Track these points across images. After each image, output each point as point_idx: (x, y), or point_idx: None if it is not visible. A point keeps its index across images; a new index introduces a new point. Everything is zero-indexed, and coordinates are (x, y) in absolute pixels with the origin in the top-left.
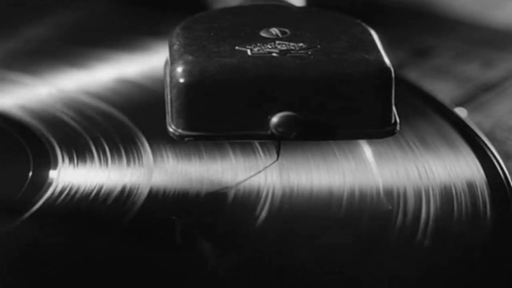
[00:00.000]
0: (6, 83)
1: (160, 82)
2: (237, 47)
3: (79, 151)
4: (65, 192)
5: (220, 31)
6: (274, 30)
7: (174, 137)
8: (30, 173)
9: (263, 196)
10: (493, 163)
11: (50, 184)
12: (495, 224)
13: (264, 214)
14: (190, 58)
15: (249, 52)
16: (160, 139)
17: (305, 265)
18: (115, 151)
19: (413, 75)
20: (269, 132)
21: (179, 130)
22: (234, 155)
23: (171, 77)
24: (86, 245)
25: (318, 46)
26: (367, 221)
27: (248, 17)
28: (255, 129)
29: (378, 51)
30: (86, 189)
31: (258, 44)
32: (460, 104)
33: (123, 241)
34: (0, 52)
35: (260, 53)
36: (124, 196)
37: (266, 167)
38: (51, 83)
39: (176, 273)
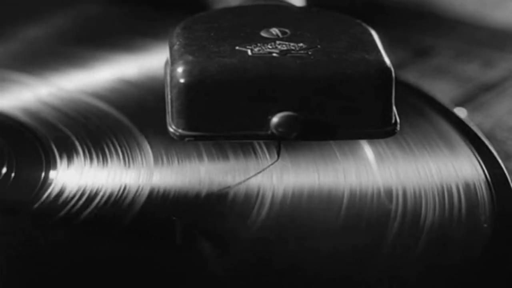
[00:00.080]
0: (6, 83)
1: (160, 82)
2: (237, 47)
3: (79, 151)
4: (65, 193)
5: (220, 31)
6: (274, 30)
7: (174, 137)
8: (30, 174)
9: (263, 196)
10: (493, 163)
11: (50, 184)
12: (495, 224)
13: (264, 214)
14: (190, 58)
15: (249, 52)
16: (160, 139)
17: (305, 265)
18: (115, 151)
19: (413, 75)
20: (269, 132)
21: (179, 130)
22: (234, 155)
23: (171, 77)
24: (86, 245)
25: (318, 46)
26: (367, 221)
27: (248, 17)
28: (255, 129)
29: (378, 51)
30: (86, 189)
31: (258, 44)
32: (460, 104)
33: (123, 241)
34: (0, 52)
35: (260, 53)
36: (124, 196)
37: (266, 167)
38: (51, 83)
39: (176, 273)
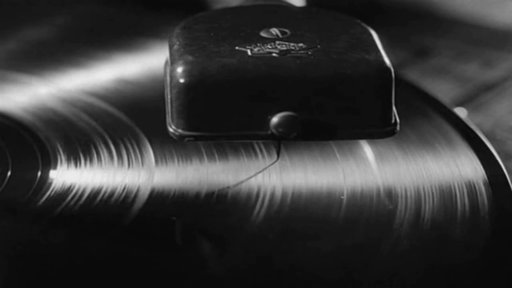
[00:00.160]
0: (6, 83)
1: (160, 82)
2: (237, 47)
3: (79, 151)
4: (65, 192)
5: (220, 31)
6: (274, 30)
7: (174, 137)
8: (31, 173)
9: (263, 196)
10: (493, 163)
11: (50, 184)
12: (495, 224)
13: (264, 214)
14: (190, 58)
15: (249, 52)
16: (160, 139)
17: (305, 265)
18: (115, 151)
19: (413, 75)
20: (269, 132)
21: (179, 130)
22: (234, 155)
23: (171, 77)
24: (86, 245)
25: (318, 46)
26: (367, 221)
27: (248, 17)
28: (255, 129)
29: (378, 51)
30: (87, 189)
31: (258, 44)
32: (460, 104)
33: (123, 241)
34: (0, 52)
35: (260, 53)
36: (124, 196)
37: (266, 167)
38: (51, 83)
39: (176, 273)
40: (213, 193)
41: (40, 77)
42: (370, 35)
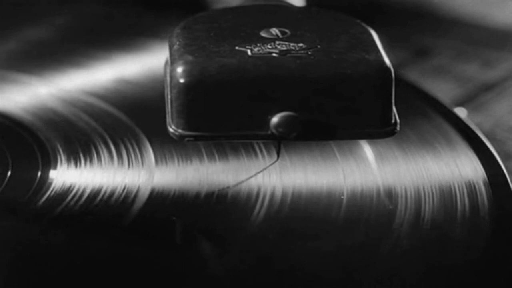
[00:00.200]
0: (6, 83)
1: (160, 82)
2: (237, 47)
3: (79, 151)
4: (65, 192)
5: (220, 31)
6: (274, 30)
7: (174, 137)
8: (31, 173)
9: (264, 196)
10: (493, 163)
11: (50, 184)
12: (495, 224)
13: (264, 214)
14: (190, 58)
15: (249, 52)
16: (160, 139)
17: (305, 265)
18: (115, 151)
19: (413, 75)
20: (269, 132)
21: (179, 130)
22: (234, 155)
23: (171, 77)
24: (86, 245)
25: (318, 46)
26: (367, 221)
27: (248, 17)
28: (255, 129)
29: (378, 51)
30: (87, 189)
31: (258, 44)
32: (460, 104)
33: (123, 241)
34: (0, 52)
35: (260, 53)
36: (124, 196)
37: (266, 167)
38: (51, 83)
39: (176, 273)
40: (213, 193)
41: (40, 77)
42: (370, 35)
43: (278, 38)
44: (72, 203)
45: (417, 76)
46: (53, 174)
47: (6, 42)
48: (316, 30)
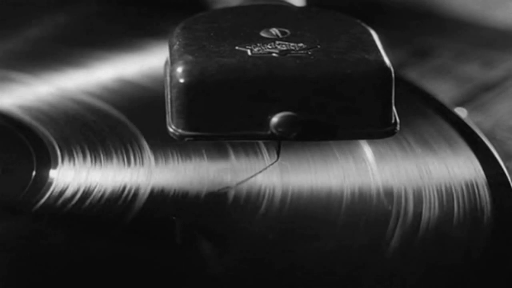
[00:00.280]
0: (6, 83)
1: (160, 82)
2: (237, 47)
3: (79, 151)
4: (65, 192)
5: (220, 31)
6: (274, 30)
7: (174, 137)
8: (30, 173)
9: (263, 196)
10: (493, 163)
11: (50, 184)
12: (495, 224)
13: (264, 214)
14: (190, 58)
15: (249, 52)
16: (160, 139)
17: (305, 265)
18: (115, 151)
19: (413, 75)
20: (269, 132)
21: (179, 130)
22: (234, 155)
23: (171, 77)
24: (86, 245)
25: (318, 46)
26: (367, 221)
27: (248, 17)
28: (255, 129)
29: (378, 51)
30: (86, 189)
31: (258, 44)
32: (460, 104)
33: (123, 241)
34: (0, 52)
35: (260, 53)
36: (124, 196)
37: (266, 167)
38: (51, 83)
39: (176, 273)
40: (213, 193)
41: (40, 77)
42: (370, 35)
43: (278, 38)
44: (72, 203)
45: (417, 76)
46: (52, 173)
47: (6, 42)
48: (316, 30)
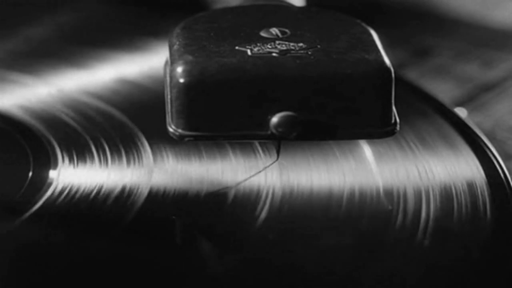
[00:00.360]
0: (6, 83)
1: (160, 82)
2: (237, 47)
3: (79, 151)
4: (65, 192)
5: (220, 31)
6: (274, 30)
7: (174, 137)
8: (30, 173)
9: (263, 196)
10: (493, 163)
11: (50, 184)
12: (495, 224)
13: (264, 214)
14: (190, 58)
15: (249, 52)
16: (160, 139)
17: (305, 265)
18: (115, 151)
19: (413, 75)
20: (269, 132)
21: (179, 130)
22: (234, 155)
23: (171, 77)
24: (86, 245)
25: (318, 46)
26: (367, 221)
27: (248, 17)
28: (255, 129)
29: (378, 51)
30: (86, 189)
31: (258, 44)
32: (460, 104)
33: (123, 241)
34: (0, 52)
35: (260, 53)
36: (124, 196)
37: (266, 167)
38: (51, 83)
39: (176, 273)
40: (213, 193)
41: (40, 77)
42: (370, 35)
43: (278, 38)
44: (72, 203)
45: (417, 76)
46: (52, 174)
47: (6, 42)
48: (316, 30)
